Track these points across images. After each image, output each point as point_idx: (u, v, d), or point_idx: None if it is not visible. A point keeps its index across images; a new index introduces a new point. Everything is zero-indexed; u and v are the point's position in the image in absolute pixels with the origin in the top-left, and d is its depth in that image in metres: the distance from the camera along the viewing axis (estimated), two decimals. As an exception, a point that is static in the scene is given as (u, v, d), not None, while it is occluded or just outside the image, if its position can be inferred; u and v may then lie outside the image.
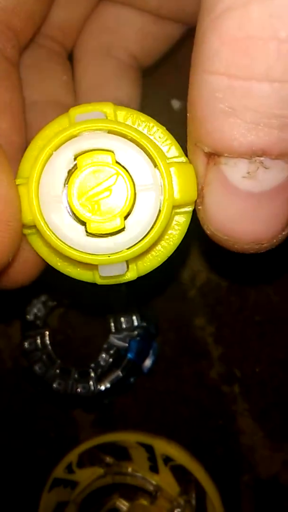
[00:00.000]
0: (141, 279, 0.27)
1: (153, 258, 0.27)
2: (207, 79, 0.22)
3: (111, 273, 0.26)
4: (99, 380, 0.44)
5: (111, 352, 0.44)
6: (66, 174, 0.25)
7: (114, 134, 0.25)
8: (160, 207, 0.25)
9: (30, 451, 0.46)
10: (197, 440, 0.44)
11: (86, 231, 0.25)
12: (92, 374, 0.44)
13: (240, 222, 0.24)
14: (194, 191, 0.25)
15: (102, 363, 0.44)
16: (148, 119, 0.26)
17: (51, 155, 0.25)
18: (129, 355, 0.44)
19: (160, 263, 0.27)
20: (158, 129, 0.26)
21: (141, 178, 0.25)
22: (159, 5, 0.35)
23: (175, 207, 0.25)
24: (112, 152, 0.25)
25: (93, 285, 0.27)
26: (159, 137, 0.26)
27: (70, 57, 0.38)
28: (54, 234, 0.25)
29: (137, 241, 0.25)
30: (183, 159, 0.26)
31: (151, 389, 0.45)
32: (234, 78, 0.21)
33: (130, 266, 0.26)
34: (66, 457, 0.44)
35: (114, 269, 0.25)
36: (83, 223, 0.25)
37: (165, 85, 0.40)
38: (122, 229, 0.25)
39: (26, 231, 0.26)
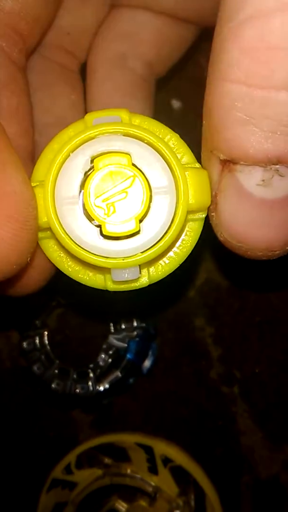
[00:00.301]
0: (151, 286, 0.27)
1: (165, 265, 0.27)
2: (227, 87, 0.22)
3: (124, 277, 0.25)
4: (98, 380, 0.44)
5: (110, 352, 0.44)
6: (82, 176, 0.25)
7: (131, 137, 0.25)
8: (175, 211, 0.25)
9: (28, 451, 0.45)
10: (197, 441, 0.43)
11: (101, 234, 0.24)
12: (91, 375, 0.44)
13: (254, 229, 0.24)
14: (208, 196, 0.25)
15: (101, 363, 0.44)
16: (162, 126, 0.26)
17: (67, 157, 0.25)
18: (128, 356, 0.44)
19: (172, 270, 0.27)
20: (171, 137, 0.26)
21: (157, 181, 0.25)
22: (175, 5, 0.35)
23: (189, 212, 0.25)
24: (129, 154, 0.24)
25: (104, 292, 0.27)
26: (173, 144, 0.26)
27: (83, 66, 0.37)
28: (68, 236, 0.24)
29: (151, 244, 0.25)
30: (196, 165, 0.26)
31: (150, 390, 0.45)
32: (253, 87, 0.21)
33: (142, 272, 0.26)
34: (64, 458, 0.44)
35: (128, 273, 0.25)
36: (98, 225, 0.24)
37: (165, 85, 0.40)
38: (137, 232, 0.24)
39: (39, 235, 0.26)
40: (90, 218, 0.24)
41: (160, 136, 0.26)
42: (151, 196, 0.24)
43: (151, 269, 0.26)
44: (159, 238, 0.25)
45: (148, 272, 0.26)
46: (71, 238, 0.24)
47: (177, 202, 0.25)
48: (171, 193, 0.24)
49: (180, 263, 0.27)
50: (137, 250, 0.25)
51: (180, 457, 0.43)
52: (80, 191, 0.25)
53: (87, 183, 0.24)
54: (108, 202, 0.24)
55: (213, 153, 0.24)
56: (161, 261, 0.26)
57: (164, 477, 0.43)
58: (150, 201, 0.24)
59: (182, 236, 0.26)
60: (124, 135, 0.25)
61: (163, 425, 0.44)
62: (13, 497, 0.45)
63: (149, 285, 0.26)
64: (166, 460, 0.43)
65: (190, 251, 0.26)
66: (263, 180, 0.23)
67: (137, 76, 0.36)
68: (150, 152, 0.25)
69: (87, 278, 0.27)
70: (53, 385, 0.44)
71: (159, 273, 0.26)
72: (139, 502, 0.44)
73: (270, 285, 0.43)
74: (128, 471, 0.44)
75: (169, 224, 0.25)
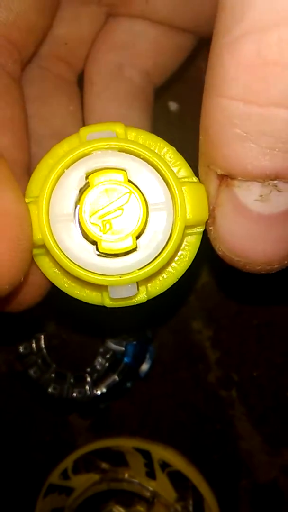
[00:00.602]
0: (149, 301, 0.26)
1: (164, 280, 0.26)
2: (223, 104, 0.22)
3: (121, 295, 0.25)
4: (95, 384, 0.43)
5: (107, 356, 0.44)
6: (77, 193, 0.24)
7: (126, 152, 0.25)
8: (172, 226, 0.24)
9: (25, 456, 0.45)
10: (195, 445, 0.43)
11: (97, 251, 0.24)
12: (88, 379, 0.43)
13: (252, 244, 0.24)
14: (205, 211, 0.25)
15: (98, 367, 0.44)
16: (158, 139, 0.26)
17: (62, 173, 0.24)
18: (126, 359, 0.43)
19: (171, 285, 0.26)
20: (168, 150, 0.26)
21: (154, 197, 0.24)
22: (172, 14, 0.34)
23: (187, 227, 0.25)
24: (125, 170, 0.24)
25: (101, 308, 0.27)
26: (170, 157, 0.26)
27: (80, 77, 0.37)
28: (63, 253, 0.24)
29: (149, 261, 0.24)
30: (193, 179, 0.26)
31: (147, 394, 0.44)
32: (250, 104, 0.21)
33: (140, 288, 0.26)
34: (61, 463, 0.43)
35: (125, 290, 0.25)
36: (94, 243, 0.24)
37: (162, 87, 0.40)
38: (134, 249, 0.24)
39: (34, 251, 0.26)
40: (85, 236, 0.24)
41: (156, 150, 0.26)
42: (147, 212, 0.24)
43: (149, 284, 0.26)
44: (156, 254, 0.24)
45: (146, 288, 0.26)
46: (66, 256, 0.24)
47: (174, 218, 0.24)
48: (168, 209, 0.24)
49: (179, 278, 0.26)
50: (135, 267, 0.24)
51: (178, 462, 0.42)
52: (75, 208, 0.24)
53: (82, 200, 0.24)
54: (104, 219, 0.24)
55: (210, 168, 0.24)
56: (159, 277, 0.26)
57: (162, 482, 0.43)
58: (147, 217, 0.24)
59: (180, 251, 0.26)
60: (119, 151, 0.25)
61: (161, 429, 0.44)
62: (9, 503, 0.45)
63: (147, 301, 0.26)
64: (164, 465, 0.43)
65: (188, 266, 0.26)
66: (261, 196, 0.23)
67: (134, 86, 0.36)
68: (146, 167, 0.25)
69: (84, 295, 0.26)
70: (49, 390, 0.43)
71: (157, 288, 0.26)
72: (137, 508, 0.43)
73: (268, 287, 0.43)
74: (126, 476, 0.43)
75: (166, 240, 0.24)
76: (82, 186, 0.24)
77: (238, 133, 0.22)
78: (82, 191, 0.24)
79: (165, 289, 0.26)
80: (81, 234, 0.24)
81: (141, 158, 0.25)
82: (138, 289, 0.25)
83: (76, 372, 0.44)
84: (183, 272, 0.26)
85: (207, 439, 0.43)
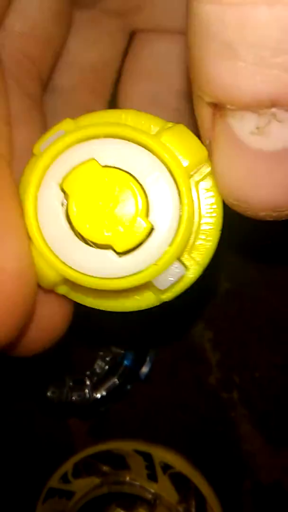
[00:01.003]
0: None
1: (205, 241, 0.22)
2: (200, 10, 0.18)
3: (171, 279, 0.22)
4: (94, 388, 0.43)
5: (107, 359, 0.43)
6: (64, 209, 0.22)
7: (84, 141, 0.22)
8: (175, 183, 0.21)
9: (24, 460, 0.45)
10: (196, 447, 0.43)
11: (116, 253, 0.22)
12: (88, 382, 0.43)
13: (253, 186, 0.20)
14: (200, 148, 0.22)
15: (98, 370, 0.43)
16: (109, 112, 0.23)
17: (35, 200, 0.22)
18: (126, 362, 0.43)
19: (217, 241, 0.23)
20: (127, 115, 0.23)
21: (138, 168, 0.21)
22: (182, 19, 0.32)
23: (190, 176, 0.22)
24: (93, 159, 0.21)
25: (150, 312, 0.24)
26: (132, 120, 0.22)
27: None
28: (90, 276, 0.22)
29: (173, 234, 0.21)
30: (168, 125, 0.22)
31: (148, 396, 0.44)
32: (227, 5, 0.17)
33: (186, 263, 0.22)
34: (61, 466, 0.43)
35: (171, 274, 0.22)
36: (108, 248, 0.22)
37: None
38: (152, 230, 0.21)
39: (59, 290, 0.23)
40: (97, 246, 0.22)
41: (118, 121, 0.22)
42: (141, 186, 0.21)
43: (192, 255, 0.22)
44: (177, 222, 0.21)
45: (193, 258, 0.22)
46: (94, 277, 0.22)
47: (172, 174, 0.21)
48: (161, 170, 0.21)
49: (220, 229, 0.23)
50: (164, 245, 0.21)
51: (179, 464, 0.42)
52: (70, 224, 0.22)
53: (71, 213, 0.21)
54: (104, 219, 0.21)
55: (199, 95, 0.20)
56: (197, 243, 0.22)
57: (164, 484, 0.43)
58: (144, 191, 0.21)
59: (203, 203, 0.22)
60: (77, 143, 0.22)
61: (162, 432, 0.44)
62: (8, 507, 0.44)
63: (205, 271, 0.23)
64: (166, 467, 0.42)
65: (222, 210, 0.22)
66: (257, 128, 0.19)
67: (172, 110, 0.33)
68: (113, 144, 0.22)
69: (136, 302, 0.23)
70: (48, 393, 0.43)
71: (203, 254, 0.22)
72: (139, 510, 0.43)
73: (268, 288, 0.43)
74: (127, 478, 0.43)
75: (177, 200, 0.21)
76: (62, 199, 0.22)
77: (218, 48, 0.18)
78: (66, 204, 0.22)
79: (212, 250, 0.23)
80: (92, 246, 0.22)
81: (103, 137, 0.22)
82: (184, 265, 0.22)
83: (75, 375, 0.43)
84: (221, 221, 0.23)
85: (209, 441, 0.43)
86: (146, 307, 0.23)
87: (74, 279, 0.22)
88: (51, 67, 0.30)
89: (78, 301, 0.24)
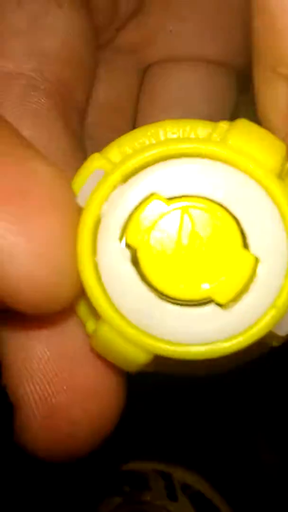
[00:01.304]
0: None
1: None
2: None
3: None
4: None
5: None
6: (135, 269, 0.17)
7: (127, 177, 0.17)
8: (272, 200, 0.17)
9: (39, 480, 0.45)
10: (217, 467, 0.43)
11: (218, 305, 0.17)
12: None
13: None
14: (278, 142, 0.17)
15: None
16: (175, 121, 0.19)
17: (93, 255, 0.17)
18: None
19: None
20: (191, 128, 0.18)
21: (214, 189, 0.17)
22: (201, 45, 0.29)
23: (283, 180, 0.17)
24: (154, 194, 0.17)
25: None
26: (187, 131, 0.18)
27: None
28: (193, 345, 0.17)
29: (285, 262, 0.17)
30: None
31: (167, 415, 0.44)
32: None
33: None
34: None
35: None
36: (207, 301, 0.17)
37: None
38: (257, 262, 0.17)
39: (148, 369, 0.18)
40: (188, 305, 0.17)
41: (182, 131, 0.18)
42: (226, 209, 0.17)
43: None
44: (285, 244, 0.17)
45: None
46: (197, 344, 0.17)
47: (262, 184, 0.17)
48: (245, 182, 0.17)
49: None
50: (276, 279, 0.17)
51: (199, 483, 0.43)
52: (149, 285, 0.17)
53: (149, 273, 0.17)
54: (194, 267, 0.17)
55: (277, 71, 0.17)
56: None
57: (184, 503, 0.43)
58: (232, 216, 0.17)
59: None
60: (123, 181, 0.17)
61: (180, 452, 0.44)
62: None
63: None
64: (185, 486, 0.43)
65: None
66: None
67: None
68: (171, 166, 0.17)
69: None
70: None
71: None
72: (159, 529, 0.43)
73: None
74: (148, 498, 0.44)
75: (279, 217, 0.17)
76: (129, 255, 0.17)
77: None
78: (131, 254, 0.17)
79: None
80: (184, 310, 0.17)
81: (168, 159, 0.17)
82: None
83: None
84: None
85: (230, 461, 0.43)
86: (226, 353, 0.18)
87: (178, 354, 0.17)
88: (87, 99, 0.27)
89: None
